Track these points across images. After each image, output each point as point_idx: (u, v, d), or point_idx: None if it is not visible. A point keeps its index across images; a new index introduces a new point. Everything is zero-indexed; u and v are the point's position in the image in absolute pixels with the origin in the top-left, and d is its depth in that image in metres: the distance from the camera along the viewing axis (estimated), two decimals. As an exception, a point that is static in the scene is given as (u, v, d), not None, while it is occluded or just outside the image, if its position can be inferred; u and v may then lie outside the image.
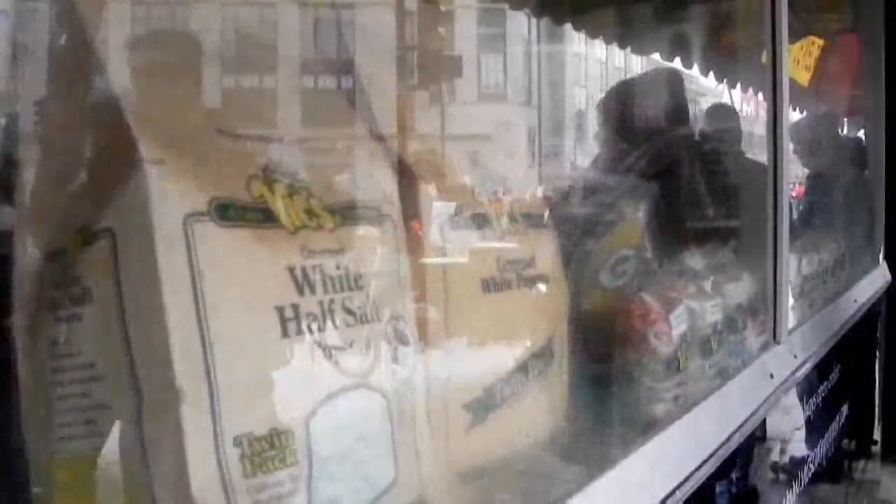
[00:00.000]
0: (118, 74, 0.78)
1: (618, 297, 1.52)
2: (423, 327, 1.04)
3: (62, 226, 0.80)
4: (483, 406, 1.13)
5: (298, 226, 0.85)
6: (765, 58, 2.19)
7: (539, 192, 1.37)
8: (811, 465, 2.31)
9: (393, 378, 0.94)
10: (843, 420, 2.85)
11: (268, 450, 0.76)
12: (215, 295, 0.75)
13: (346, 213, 0.93)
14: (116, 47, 0.80)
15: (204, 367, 0.73)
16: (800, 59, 4.62)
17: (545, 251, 1.30)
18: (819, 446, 2.44)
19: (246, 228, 0.80)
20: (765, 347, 2.01)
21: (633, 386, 1.46)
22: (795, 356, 2.20)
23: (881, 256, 4.17)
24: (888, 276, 3.96)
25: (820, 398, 2.44)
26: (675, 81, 2.66)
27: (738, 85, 3.93)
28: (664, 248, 1.72)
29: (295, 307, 0.82)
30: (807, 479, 2.25)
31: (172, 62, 0.88)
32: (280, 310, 0.80)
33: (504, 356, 1.19)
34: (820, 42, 4.76)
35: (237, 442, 0.74)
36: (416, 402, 1.00)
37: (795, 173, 4.07)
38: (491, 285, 1.16)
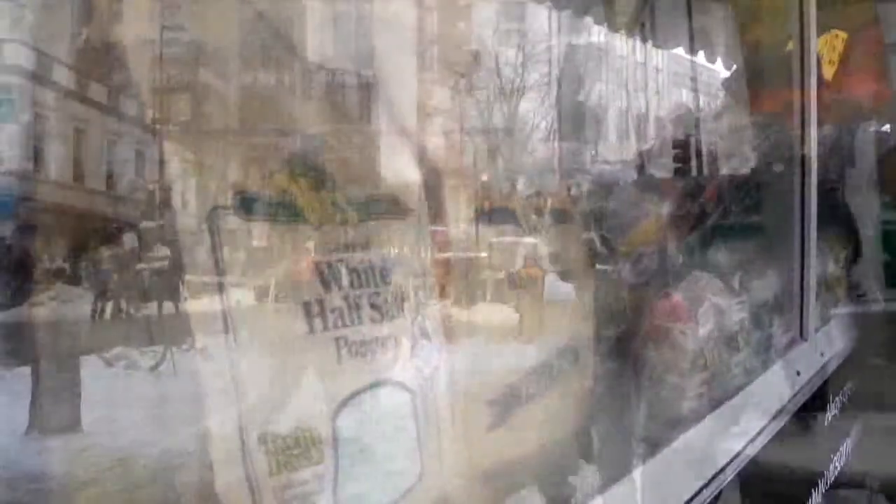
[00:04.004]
0: (140, 71, 0.77)
1: (644, 293, 1.51)
2: (447, 323, 1.02)
3: (85, 222, 0.80)
4: (507, 403, 1.12)
5: (323, 220, 0.84)
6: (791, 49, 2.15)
7: (565, 189, 1.35)
8: (837, 465, 2.28)
9: (417, 374, 0.92)
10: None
11: (293, 447, 0.75)
12: (240, 290, 0.74)
13: (371, 208, 0.91)
14: (139, 43, 0.79)
15: (228, 364, 0.72)
16: (824, 54, 4.55)
17: (571, 247, 1.28)
18: (844, 445, 2.41)
19: (271, 222, 0.79)
20: (791, 345, 1.99)
21: (659, 383, 1.44)
22: (822, 354, 2.17)
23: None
24: None
25: (846, 396, 2.41)
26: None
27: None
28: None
29: (320, 302, 0.81)
30: (832, 479, 2.22)
31: (196, 59, 0.88)
32: (306, 305, 0.79)
33: (528, 354, 1.17)
34: (843, 35, 4.68)
35: (262, 440, 0.73)
36: (440, 399, 0.98)
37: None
38: (516, 281, 1.15)
